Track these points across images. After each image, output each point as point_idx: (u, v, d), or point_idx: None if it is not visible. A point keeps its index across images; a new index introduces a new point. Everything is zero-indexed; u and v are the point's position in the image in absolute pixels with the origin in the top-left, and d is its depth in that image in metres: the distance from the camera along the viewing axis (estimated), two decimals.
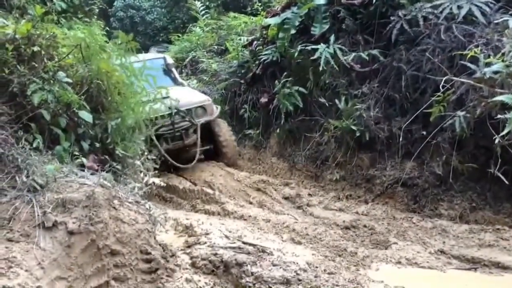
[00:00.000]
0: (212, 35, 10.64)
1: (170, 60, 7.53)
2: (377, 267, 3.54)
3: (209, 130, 6.67)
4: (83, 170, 3.28)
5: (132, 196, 3.37)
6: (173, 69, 7.41)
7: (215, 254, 3.65)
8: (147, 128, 5.16)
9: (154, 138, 5.53)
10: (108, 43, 4.17)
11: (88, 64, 3.78)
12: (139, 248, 3.06)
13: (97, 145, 3.77)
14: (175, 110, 6.15)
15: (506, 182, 4.15)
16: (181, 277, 3.28)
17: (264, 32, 7.47)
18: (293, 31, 6.53)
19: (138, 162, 4.12)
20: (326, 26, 6.33)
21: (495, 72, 4.18)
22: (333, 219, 4.54)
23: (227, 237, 4.10)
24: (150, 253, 3.11)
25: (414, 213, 4.61)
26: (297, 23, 6.53)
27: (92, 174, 3.24)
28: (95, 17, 8.51)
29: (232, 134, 6.93)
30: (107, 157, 3.74)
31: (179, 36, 12.09)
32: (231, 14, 11.08)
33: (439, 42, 5.12)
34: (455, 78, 4.60)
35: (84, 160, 3.42)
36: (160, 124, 6.02)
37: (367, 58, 5.82)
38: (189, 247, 3.87)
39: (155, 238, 3.28)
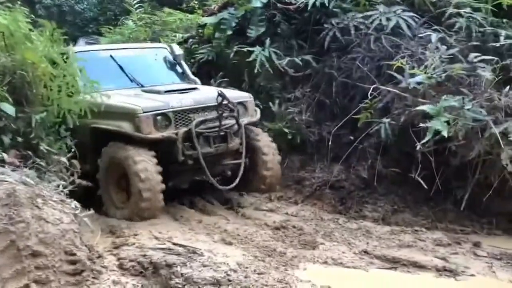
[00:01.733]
0: (146, 30, 10.40)
1: (178, 51, 6.01)
2: (305, 267, 3.63)
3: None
4: (4, 166, 3.09)
5: (57, 195, 3.22)
6: (182, 62, 5.98)
7: (144, 255, 3.59)
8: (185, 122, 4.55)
9: (194, 136, 4.58)
10: (32, 31, 3.95)
11: (12, 54, 3.56)
12: (63, 249, 2.93)
13: (20, 139, 3.56)
14: (222, 101, 4.65)
15: (425, 186, 4.43)
16: (108, 279, 3.18)
17: (200, 30, 7.43)
18: (229, 32, 6.55)
19: (64, 159, 3.94)
20: (262, 29, 6.42)
21: (418, 83, 4.46)
22: (264, 219, 4.61)
23: (156, 238, 4.04)
24: (75, 254, 2.98)
25: (340, 215, 4.79)
26: (233, 24, 6.56)
27: (13, 170, 3.06)
28: (19, 2, 8.00)
29: (276, 148, 5.30)
30: (30, 152, 3.55)
31: (110, 29, 11.69)
32: (166, 9, 10.89)
33: (369, 52, 5.38)
34: (382, 87, 4.84)
35: (4, 155, 3.23)
36: (202, 118, 4.73)
37: (300, 63, 5.98)
38: (116, 248, 3.76)
39: (81, 238, 3.16)
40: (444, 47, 4.66)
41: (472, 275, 3.60)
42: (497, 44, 4.64)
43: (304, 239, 4.11)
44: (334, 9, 5.87)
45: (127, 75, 5.38)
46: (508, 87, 4.27)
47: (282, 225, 4.40)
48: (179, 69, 5.94)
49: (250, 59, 6.08)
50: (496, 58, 4.51)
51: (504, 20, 4.92)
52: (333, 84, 5.58)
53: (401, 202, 4.77)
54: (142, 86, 5.29)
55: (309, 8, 5.97)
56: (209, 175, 4.63)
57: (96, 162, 4.72)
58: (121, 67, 5.39)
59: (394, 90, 4.69)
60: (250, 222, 4.60)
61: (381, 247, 4.03)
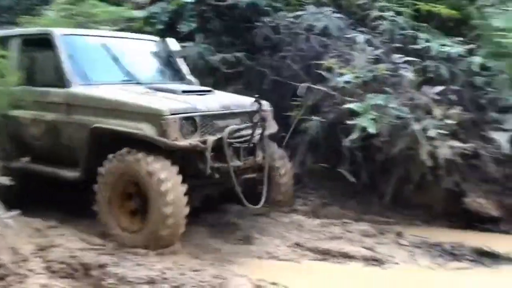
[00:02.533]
0: (70, 21, 9.89)
1: (176, 46, 5.18)
2: (241, 262, 3.67)
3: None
4: None
5: None
6: (179, 60, 5.17)
7: (73, 257, 3.43)
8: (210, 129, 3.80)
9: (226, 146, 3.87)
10: None
11: None
12: None
13: None
14: (259, 108, 4.00)
15: (353, 180, 4.65)
16: (35, 282, 3.01)
17: (130, 24, 7.20)
18: (160, 26, 6.42)
19: None
20: (194, 25, 6.35)
21: (346, 82, 4.66)
22: (199, 217, 4.58)
23: (83, 240, 3.88)
24: None
25: (273, 209, 4.89)
26: (164, 19, 6.44)
27: None
28: None
29: (289, 161, 4.76)
30: None
31: (27, 19, 10.97)
32: (90, 1, 10.43)
33: (299, 51, 5.53)
34: (312, 86, 5.00)
35: None
36: (235, 126, 4.04)
37: (232, 60, 6.00)
38: (43, 250, 3.56)
39: (4, 241, 2.96)
40: (370, 48, 4.91)
41: (396, 263, 3.85)
42: (417, 47, 4.96)
43: (240, 235, 4.15)
44: (266, 8, 5.96)
45: (122, 69, 4.59)
46: (427, 87, 4.58)
47: (218, 222, 4.41)
48: (175, 67, 5.13)
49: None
50: (417, 60, 4.83)
51: (423, 25, 5.26)
52: (264, 82, 5.66)
53: (330, 196, 4.98)
54: (139, 83, 4.51)
55: (240, 5, 6.01)
56: (240, 191, 3.95)
57: (93, 170, 3.88)
58: (116, 59, 4.59)
59: (324, 89, 4.86)
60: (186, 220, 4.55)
61: (312, 239, 4.17)
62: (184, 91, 4.23)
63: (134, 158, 3.66)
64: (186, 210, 3.66)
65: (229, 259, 3.70)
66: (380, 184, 4.87)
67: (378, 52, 4.89)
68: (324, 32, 5.50)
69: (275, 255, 3.84)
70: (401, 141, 4.53)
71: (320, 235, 4.27)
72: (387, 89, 4.62)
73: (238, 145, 4.00)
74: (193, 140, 3.74)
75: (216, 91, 4.61)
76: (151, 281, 3.14)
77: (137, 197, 3.77)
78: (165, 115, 3.66)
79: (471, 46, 4.97)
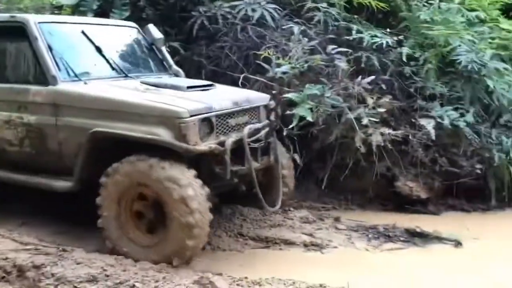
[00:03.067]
0: None
1: (158, 34, 4.81)
2: None
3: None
4: None
5: None
6: (163, 49, 4.84)
7: (5, 259, 3.27)
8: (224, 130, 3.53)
9: (247, 148, 3.60)
10: None
11: None
12: None
13: None
14: (277, 105, 3.84)
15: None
16: None
17: (56, 12, 6.85)
18: (90, 15, 6.14)
19: None
20: (126, 14, 6.13)
21: (284, 73, 4.74)
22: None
23: (15, 240, 3.69)
24: None
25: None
26: (95, 7, 6.17)
27: None
28: None
29: (290, 158, 4.53)
30: None
31: None
32: None
33: (236, 41, 5.52)
34: (250, 76, 5.03)
35: None
36: (255, 126, 3.84)
37: (168, 50, 5.87)
38: None
39: None
40: (306, 39, 5.00)
41: (335, 247, 4.00)
42: (350, 38, 5.13)
43: None
44: None
45: (107, 61, 4.13)
46: (360, 77, 4.76)
47: None
48: (160, 56, 4.82)
49: None
50: (350, 50, 5.00)
51: (355, 16, 5.45)
52: (202, 72, 5.61)
53: None
54: (127, 76, 4.14)
55: None
56: (261, 195, 3.73)
57: (90, 180, 3.54)
58: (99, 50, 4.10)
59: (262, 79, 4.91)
60: None
61: (254, 228, 4.23)
62: (189, 87, 3.89)
63: (148, 164, 3.29)
64: (210, 216, 3.38)
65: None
66: (317, 172, 5.03)
67: (313, 43, 4.99)
68: (260, 23, 5.52)
69: (219, 246, 3.87)
70: (337, 129, 4.70)
71: (261, 223, 4.33)
72: (322, 79, 4.75)
73: (255, 145, 3.74)
74: (211, 143, 3.45)
75: (217, 85, 4.31)
76: (93, 279, 3.05)
77: (150, 208, 3.43)
78: (184, 118, 3.31)
79: (400, 37, 5.21)
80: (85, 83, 3.74)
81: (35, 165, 3.84)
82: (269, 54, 4.87)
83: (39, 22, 3.82)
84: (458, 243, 4.06)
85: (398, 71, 5.15)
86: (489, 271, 3.58)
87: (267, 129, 3.86)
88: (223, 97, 3.86)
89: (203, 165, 3.53)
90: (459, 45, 5.02)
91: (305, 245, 3.97)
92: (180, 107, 3.38)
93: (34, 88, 3.74)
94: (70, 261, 3.24)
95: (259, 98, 4.18)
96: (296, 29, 5.16)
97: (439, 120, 4.80)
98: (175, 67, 4.80)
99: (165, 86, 3.88)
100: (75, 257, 3.32)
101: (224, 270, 3.36)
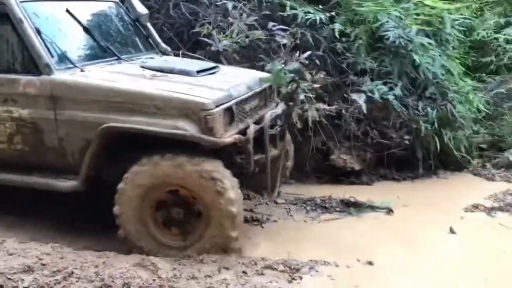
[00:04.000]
0: None
1: (142, 9, 4.45)
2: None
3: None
4: None
5: None
6: (148, 25, 4.48)
7: None
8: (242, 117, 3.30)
9: (267, 136, 3.47)
10: None
11: None
12: None
13: None
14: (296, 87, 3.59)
15: None
16: None
17: None
18: None
19: None
20: None
21: (225, 50, 4.72)
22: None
23: None
24: None
25: None
26: None
27: None
28: None
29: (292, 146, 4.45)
30: None
31: None
32: None
33: (169, 18, 5.38)
34: (190, 53, 4.95)
35: None
36: (274, 111, 3.72)
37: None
38: None
39: None
40: (245, 15, 4.99)
41: (275, 220, 4.12)
42: (284, 14, 5.16)
43: None
44: None
45: (96, 42, 3.78)
46: (298, 52, 4.82)
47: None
48: (146, 33, 4.51)
49: None
50: (285, 27, 5.03)
51: None
52: None
53: None
54: (119, 58, 3.85)
55: None
56: (270, 182, 3.63)
57: (98, 179, 3.35)
58: (86, 30, 3.75)
59: (200, 56, 4.85)
60: None
61: None
62: (198, 71, 3.64)
63: (177, 163, 3.08)
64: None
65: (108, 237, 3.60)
66: None
67: (251, 19, 4.98)
68: (193, 0, 5.42)
69: None
70: None
71: None
72: (261, 56, 4.78)
73: (274, 132, 3.61)
74: (234, 134, 3.28)
75: (222, 66, 4.12)
76: (28, 269, 2.93)
77: (177, 207, 3.23)
78: (211, 109, 3.09)
79: (332, 13, 5.30)
80: (82, 70, 3.41)
81: (28, 163, 3.48)
82: (209, 29, 4.82)
83: (21, 1, 3.37)
84: (389, 211, 4.30)
85: (331, 47, 5.25)
86: (418, 234, 3.84)
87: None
88: (237, 81, 3.64)
89: (224, 155, 3.33)
90: (387, 21, 5.19)
91: (247, 221, 4.03)
92: (204, 98, 3.16)
93: (24, 78, 3.35)
94: (2, 252, 3.11)
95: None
96: (230, 5, 5.11)
97: (369, 94, 4.98)
98: (162, 45, 4.54)
99: (171, 71, 3.59)
100: (6, 247, 3.19)
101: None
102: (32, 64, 3.33)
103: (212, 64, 4.00)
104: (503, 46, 7.14)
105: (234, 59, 4.74)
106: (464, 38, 6.22)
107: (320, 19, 5.10)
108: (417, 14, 5.35)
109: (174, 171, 3.08)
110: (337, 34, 5.13)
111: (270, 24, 4.98)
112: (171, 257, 3.17)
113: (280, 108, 3.89)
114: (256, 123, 3.54)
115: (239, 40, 4.75)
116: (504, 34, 7.08)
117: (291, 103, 3.79)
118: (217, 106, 3.16)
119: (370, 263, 3.34)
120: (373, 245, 3.63)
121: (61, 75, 3.31)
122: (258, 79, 3.91)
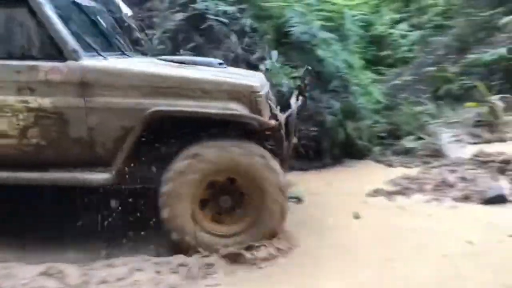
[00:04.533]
0: None
1: (125, 7, 4.39)
2: None
3: None
4: None
5: None
6: (132, 25, 4.42)
7: None
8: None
9: (292, 124, 3.47)
10: None
11: None
12: None
13: None
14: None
15: None
16: None
17: None
18: None
19: None
20: None
21: None
22: None
23: None
24: None
25: None
26: None
27: None
28: None
29: None
30: None
31: None
32: None
33: None
34: None
35: None
36: (299, 103, 3.80)
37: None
38: None
39: None
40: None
41: None
42: (197, 6, 5.11)
43: None
44: None
45: (104, 36, 3.67)
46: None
47: None
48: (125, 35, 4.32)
49: None
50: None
51: None
52: None
53: None
54: (123, 53, 3.74)
55: None
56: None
57: (136, 169, 3.15)
58: (93, 22, 3.63)
59: None
60: None
61: None
62: (220, 64, 3.67)
63: (231, 150, 3.06)
64: None
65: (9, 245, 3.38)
66: None
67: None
68: None
69: None
70: None
71: None
72: None
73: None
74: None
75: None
76: None
77: (227, 194, 3.19)
78: (259, 92, 3.19)
79: (241, 7, 5.35)
80: (105, 58, 3.24)
81: (40, 160, 3.17)
82: None
83: None
84: (299, 200, 4.47)
85: (241, 41, 5.32)
86: (325, 220, 4.03)
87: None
88: (248, 74, 3.77)
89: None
90: (292, 17, 5.36)
91: None
92: (252, 82, 3.28)
93: (46, 64, 3.09)
94: None
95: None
96: None
97: (279, 88, 5.13)
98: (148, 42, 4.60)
99: (195, 63, 3.56)
100: None
101: None
102: (53, 49, 3.11)
103: (220, 60, 3.97)
104: (398, 41, 7.72)
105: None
106: (364, 33, 6.61)
107: (232, 13, 5.10)
108: (320, 10, 5.58)
109: (229, 160, 3.08)
110: (248, 29, 5.19)
111: (177, 15, 4.93)
112: (218, 247, 3.11)
113: (300, 100, 4.04)
114: None
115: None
116: (399, 30, 7.65)
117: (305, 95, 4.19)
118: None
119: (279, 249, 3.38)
120: (282, 234, 3.75)
121: (90, 61, 3.14)
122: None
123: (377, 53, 7.52)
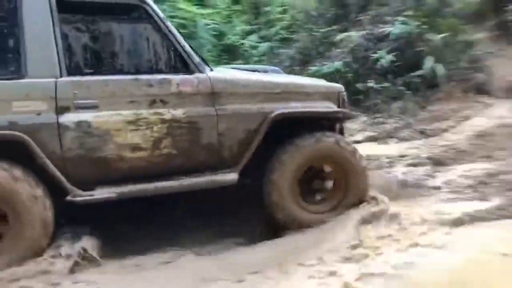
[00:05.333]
0: None
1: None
2: None
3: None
4: None
5: None
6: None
7: None
8: None
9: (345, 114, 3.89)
10: None
11: None
12: None
13: None
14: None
15: None
16: None
17: None
18: None
19: None
20: None
21: None
22: None
23: None
24: None
25: None
26: None
27: None
28: None
29: None
30: None
31: None
32: None
33: None
34: None
35: None
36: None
37: None
38: None
39: None
40: None
41: None
42: None
43: None
44: None
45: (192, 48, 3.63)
46: None
47: None
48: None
49: None
50: None
51: None
52: None
53: None
54: (207, 64, 3.72)
55: None
56: None
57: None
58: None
59: None
60: None
61: None
62: (265, 71, 4.24)
63: (327, 139, 3.55)
64: None
65: None
66: None
67: None
68: None
69: None
70: None
71: None
72: None
73: None
74: None
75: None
76: None
77: (318, 178, 3.63)
78: (344, 91, 3.83)
79: None
80: (212, 70, 3.43)
81: (167, 168, 3.26)
82: None
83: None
84: None
85: None
86: None
87: None
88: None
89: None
90: None
91: None
92: (338, 84, 3.99)
93: (177, 77, 3.23)
94: None
95: None
96: None
97: None
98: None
99: (265, 71, 4.21)
100: None
101: None
102: (180, 63, 3.28)
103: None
104: (250, 51, 8.18)
105: None
106: (217, 42, 6.89)
107: None
108: (172, 17, 5.68)
109: (331, 146, 3.55)
110: None
111: None
112: (313, 221, 3.50)
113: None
114: None
115: None
116: (250, 40, 8.12)
117: None
118: None
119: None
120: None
121: (214, 73, 3.39)
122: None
123: (229, 62, 7.86)
